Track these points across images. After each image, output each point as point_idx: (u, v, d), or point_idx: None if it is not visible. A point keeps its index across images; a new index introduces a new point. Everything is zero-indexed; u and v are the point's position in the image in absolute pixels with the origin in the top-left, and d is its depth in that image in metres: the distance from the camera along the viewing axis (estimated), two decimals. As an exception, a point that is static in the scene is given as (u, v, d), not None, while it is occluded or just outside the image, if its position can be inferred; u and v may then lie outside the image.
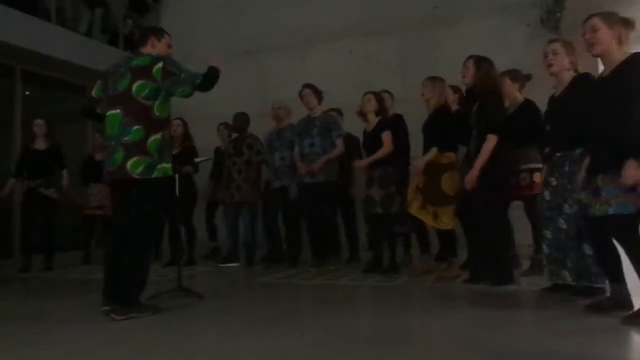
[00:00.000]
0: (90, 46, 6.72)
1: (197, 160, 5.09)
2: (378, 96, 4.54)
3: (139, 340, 2.59)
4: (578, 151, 2.94)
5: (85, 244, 5.96)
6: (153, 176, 2.98)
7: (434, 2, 6.38)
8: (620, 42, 2.62)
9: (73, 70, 6.60)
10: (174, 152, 5.30)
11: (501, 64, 4.41)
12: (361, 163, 4.48)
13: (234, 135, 5.51)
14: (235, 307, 3.41)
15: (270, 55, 7.04)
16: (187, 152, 5.32)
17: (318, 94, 4.93)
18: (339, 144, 4.78)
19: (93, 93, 3.26)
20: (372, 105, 4.48)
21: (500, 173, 3.55)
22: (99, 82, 3.24)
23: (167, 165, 3.05)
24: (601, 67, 2.78)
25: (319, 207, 4.77)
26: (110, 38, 7.29)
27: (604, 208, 2.54)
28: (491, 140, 3.48)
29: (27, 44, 5.83)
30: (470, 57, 3.71)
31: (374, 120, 4.51)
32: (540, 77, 3.35)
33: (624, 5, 5.22)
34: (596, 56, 2.71)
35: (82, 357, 2.30)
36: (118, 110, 3.02)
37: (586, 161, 2.77)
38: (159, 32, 3.30)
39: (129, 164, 2.96)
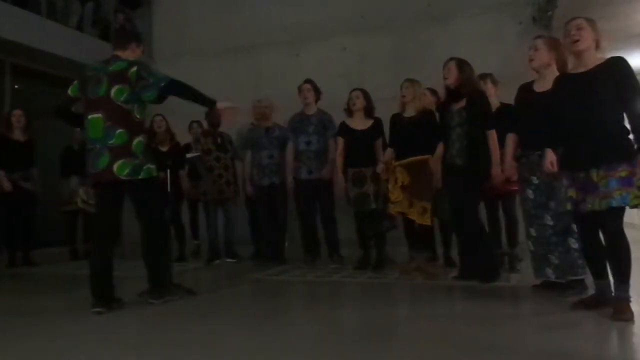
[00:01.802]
0: (81, 40, 6.66)
1: (189, 155, 5.05)
2: (365, 93, 4.56)
3: (129, 336, 2.59)
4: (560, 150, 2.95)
5: (70, 240, 5.86)
6: (140, 177, 3.08)
7: (428, 0, 6.38)
8: (597, 46, 2.74)
9: (63, 64, 6.53)
10: (163, 149, 5.30)
11: (493, 61, 4.44)
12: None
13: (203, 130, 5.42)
14: (226, 303, 3.41)
15: (264, 51, 7.00)
16: (176, 150, 5.28)
17: (317, 91, 4.90)
18: (332, 143, 4.76)
19: (69, 92, 3.27)
20: (360, 102, 4.50)
21: (484, 171, 3.59)
22: (76, 82, 3.27)
23: (152, 166, 3.16)
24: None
25: (315, 204, 4.76)
26: (101, 32, 7.23)
27: (605, 202, 2.54)
28: (494, 135, 3.58)
29: (17, 38, 5.77)
30: (451, 59, 3.76)
31: (362, 118, 4.52)
32: (530, 74, 3.37)
33: (613, 5, 5.30)
34: (575, 53, 2.78)
35: (71, 353, 2.29)
36: (99, 115, 3.07)
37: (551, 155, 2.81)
38: (139, 39, 3.37)
39: (115, 166, 3.03)
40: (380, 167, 4.25)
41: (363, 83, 4.93)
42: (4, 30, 5.58)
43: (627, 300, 2.56)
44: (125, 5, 7.66)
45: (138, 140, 3.10)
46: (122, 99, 3.06)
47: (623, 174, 2.51)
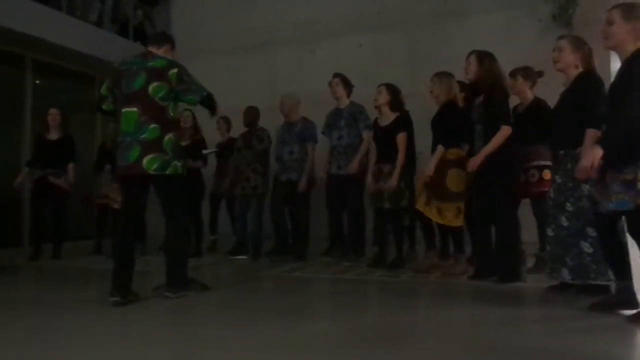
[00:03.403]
0: (101, 36, 6.74)
1: (205, 152, 5.10)
2: (390, 88, 4.49)
3: (145, 329, 2.62)
4: (580, 150, 2.92)
5: (98, 233, 5.97)
6: (167, 173, 3.14)
7: (444, -4, 6.32)
8: (637, 37, 2.56)
9: (83, 60, 6.63)
10: (184, 144, 5.36)
11: (511, 59, 4.38)
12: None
13: (244, 129, 5.49)
14: (240, 299, 3.44)
15: (279, 48, 7.01)
16: (196, 145, 5.34)
17: (347, 85, 4.87)
18: (366, 136, 4.67)
19: (101, 91, 3.38)
20: (383, 97, 4.46)
21: (512, 170, 3.54)
22: (107, 80, 3.35)
23: (179, 163, 3.21)
24: (617, 62, 2.76)
25: (344, 199, 4.74)
26: (120, 28, 7.31)
27: (606, 204, 2.53)
28: (505, 130, 3.49)
29: (37, 33, 5.85)
30: (472, 52, 3.71)
31: (387, 113, 4.47)
32: (552, 72, 3.33)
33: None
34: (608, 49, 2.70)
35: (89, 345, 2.32)
36: (135, 109, 3.13)
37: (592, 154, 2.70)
38: (174, 43, 3.46)
39: (145, 160, 3.08)
40: (428, 167, 4.01)
41: (379, 80, 4.89)
42: (25, 26, 5.67)
43: None
44: (144, 2, 7.73)
45: (169, 137, 3.16)
46: (160, 95, 3.13)
47: (629, 177, 2.45)
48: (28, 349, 2.26)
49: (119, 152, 3.21)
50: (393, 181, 4.26)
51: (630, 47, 2.57)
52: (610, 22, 2.61)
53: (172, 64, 3.21)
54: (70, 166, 5.45)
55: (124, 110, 3.18)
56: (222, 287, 3.80)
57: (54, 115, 5.47)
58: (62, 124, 5.50)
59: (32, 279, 4.53)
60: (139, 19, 7.62)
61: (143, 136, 3.10)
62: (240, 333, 2.49)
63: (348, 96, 4.86)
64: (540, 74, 4.09)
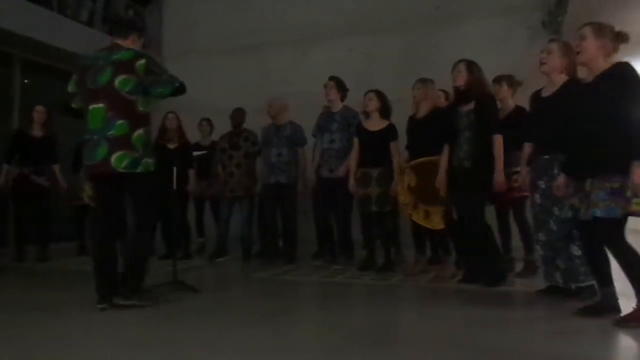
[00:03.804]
0: (92, 36, 6.68)
1: (196, 154, 5.07)
2: (380, 94, 4.53)
3: (135, 332, 2.60)
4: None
5: (79, 235, 5.90)
6: (137, 171, 3.00)
7: (437, 2, 6.37)
8: (606, 53, 2.68)
9: (73, 60, 6.55)
10: (172, 147, 5.33)
11: (502, 65, 4.42)
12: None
13: (229, 130, 5.44)
14: (230, 301, 3.42)
15: (272, 50, 7.02)
16: (185, 148, 5.30)
17: (342, 88, 4.85)
18: (356, 141, 4.64)
19: (69, 89, 3.21)
20: (374, 104, 4.49)
21: (489, 177, 3.58)
22: (74, 76, 3.18)
23: (150, 161, 3.07)
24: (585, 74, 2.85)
25: (335, 203, 4.73)
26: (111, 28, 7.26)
27: (591, 211, 2.56)
28: (500, 139, 3.55)
29: (27, 32, 5.80)
30: (460, 61, 3.74)
31: (377, 119, 4.50)
32: (538, 79, 3.36)
33: (625, 10, 5.26)
34: (580, 64, 2.80)
35: (77, 349, 2.30)
36: (101, 105, 2.98)
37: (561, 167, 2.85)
38: (142, 31, 3.28)
39: (113, 158, 2.94)
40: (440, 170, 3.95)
41: (370, 84, 4.92)
42: (14, 24, 5.61)
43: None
44: (136, 1, 7.70)
45: (139, 133, 3.01)
46: (127, 89, 2.97)
47: (616, 185, 2.50)
48: (14, 355, 2.23)
49: (85, 150, 3.06)
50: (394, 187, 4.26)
51: (602, 63, 2.67)
52: (582, 38, 2.70)
53: (138, 55, 3.03)
54: (56, 168, 5.37)
55: (90, 107, 3.02)
56: (212, 290, 3.78)
57: (40, 112, 5.34)
58: (47, 122, 5.39)
59: (13, 282, 4.45)
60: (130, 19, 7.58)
61: (110, 133, 2.94)
62: (230, 336, 2.48)
63: (342, 100, 4.86)
64: (520, 83, 4.20)
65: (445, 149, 3.84)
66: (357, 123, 4.71)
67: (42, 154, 5.30)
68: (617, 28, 2.73)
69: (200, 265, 5.08)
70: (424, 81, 4.21)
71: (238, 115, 5.30)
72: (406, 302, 3.48)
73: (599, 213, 2.53)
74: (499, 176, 3.54)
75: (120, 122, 2.96)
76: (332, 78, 4.88)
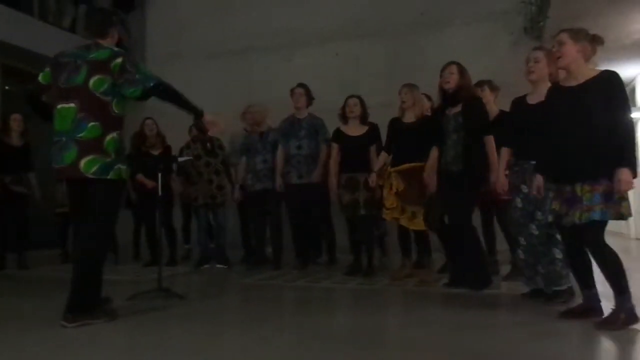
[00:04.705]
0: (74, 42, 6.59)
1: (181, 160, 5.03)
2: (362, 101, 4.58)
3: (119, 341, 2.57)
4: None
5: (62, 242, 5.84)
6: (108, 177, 2.80)
7: (422, 8, 6.43)
8: (585, 57, 2.73)
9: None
10: (155, 153, 5.29)
11: (486, 69, 4.46)
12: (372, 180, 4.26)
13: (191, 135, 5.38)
14: (216, 308, 3.39)
15: (257, 55, 7.02)
16: (168, 154, 5.27)
17: (309, 96, 4.91)
18: (324, 148, 4.77)
19: (40, 79, 2.99)
20: (358, 109, 4.52)
21: (480, 177, 3.59)
22: (47, 69, 2.97)
23: (122, 167, 2.88)
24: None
25: (307, 208, 4.75)
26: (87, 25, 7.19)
27: (586, 215, 2.58)
28: (491, 141, 3.57)
29: (8, 38, 5.73)
30: (452, 62, 3.74)
31: (357, 125, 4.52)
32: (521, 84, 3.40)
33: (605, 15, 5.36)
34: (561, 69, 2.84)
35: (55, 357, 2.25)
36: (72, 104, 2.79)
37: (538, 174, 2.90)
38: (119, 23, 3.13)
39: (82, 162, 2.75)
40: (372, 178, 4.22)
41: (356, 89, 4.94)
42: (-5, 31, 5.54)
43: (627, 310, 2.55)
44: (119, 7, 7.63)
45: (112, 136, 2.81)
46: (101, 90, 2.79)
47: (606, 189, 2.54)
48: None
49: (52, 152, 2.83)
50: (373, 175, 4.26)
51: (583, 67, 2.72)
52: (561, 44, 2.74)
53: (115, 54, 2.84)
54: (32, 176, 5.30)
55: (59, 106, 2.83)
56: (199, 297, 3.74)
57: (19, 121, 5.27)
58: (25, 130, 5.33)
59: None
60: (114, 25, 7.51)
61: (80, 135, 2.74)
62: (217, 342, 2.46)
63: (307, 107, 4.90)
64: (498, 88, 4.30)
65: (434, 150, 3.85)
66: (325, 131, 4.79)
67: (20, 163, 5.25)
68: (592, 32, 2.78)
69: (186, 272, 5.04)
70: (411, 86, 4.22)
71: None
72: (391, 306, 3.48)
73: (597, 217, 2.55)
74: (494, 174, 3.50)
75: (92, 124, 2.77)
76: (300, 85, 4.91)
